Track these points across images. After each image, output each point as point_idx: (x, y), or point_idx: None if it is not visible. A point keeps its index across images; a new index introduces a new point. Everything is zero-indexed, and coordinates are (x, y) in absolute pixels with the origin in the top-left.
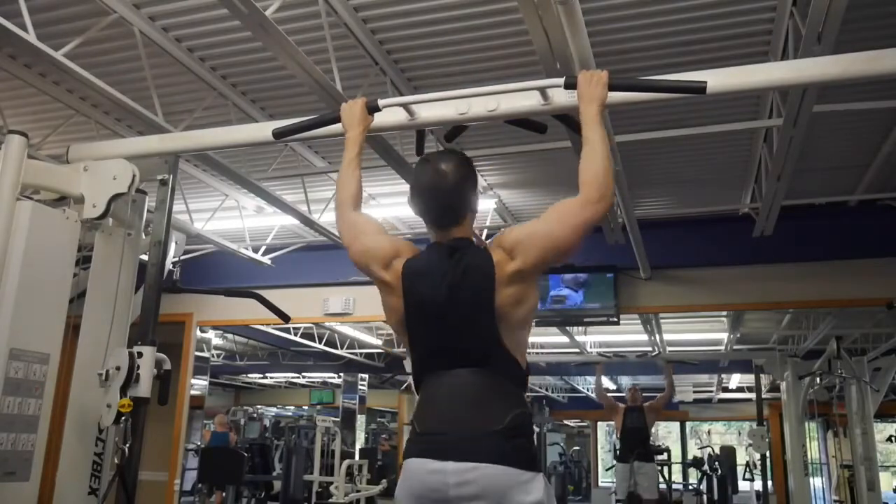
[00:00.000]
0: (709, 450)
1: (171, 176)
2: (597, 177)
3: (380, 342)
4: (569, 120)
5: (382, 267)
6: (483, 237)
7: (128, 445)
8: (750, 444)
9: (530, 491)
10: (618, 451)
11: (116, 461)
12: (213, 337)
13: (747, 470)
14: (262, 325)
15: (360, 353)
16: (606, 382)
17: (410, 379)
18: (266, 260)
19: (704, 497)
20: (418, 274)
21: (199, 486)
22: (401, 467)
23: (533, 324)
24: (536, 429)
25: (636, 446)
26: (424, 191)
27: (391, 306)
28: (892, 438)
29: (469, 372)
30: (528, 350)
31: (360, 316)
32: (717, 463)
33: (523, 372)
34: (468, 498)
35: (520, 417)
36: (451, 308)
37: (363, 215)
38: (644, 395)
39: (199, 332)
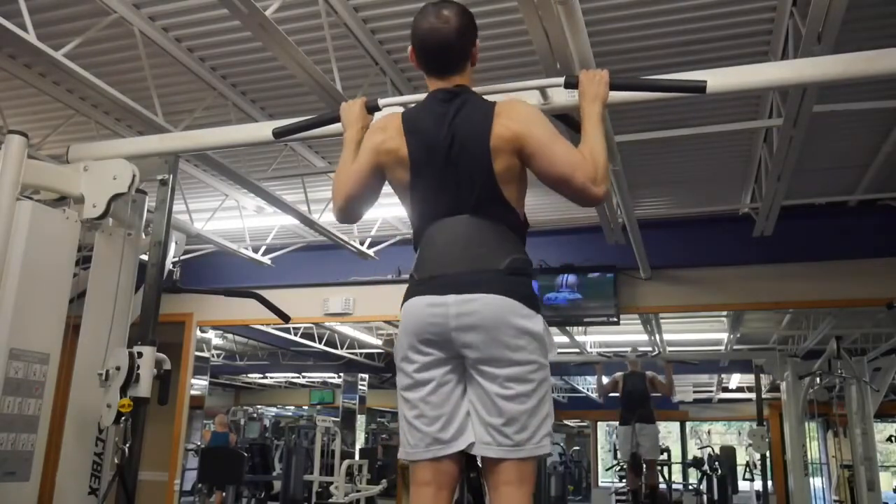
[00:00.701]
0: (709, 450)
1: (171, 176)
2: (593, 161)
3: (380, 342)
4: (569, 119)
5: (381, 141)
6: None
7: (128, 445)
8: (750, 444)
9: (530, 320)
10: (620, 414)
11: (116, 461)
12: (213, 337)
13: (747, 470)
14: (262, 325)
15: (360, 353)
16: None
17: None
18: (266, 260)
19: (704, 497)
20: (419, 118)
21: (199, 486)
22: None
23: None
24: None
25: (637, 408)
26: (425, 35)
27: (397, 171)
28: (892, 438)
29: (468, 217)
30: None
31: (360, 316)
32: (717, 463)
33: (522, 222)
34: (468, 328)
35: (519, 262)
36: (453, 150)
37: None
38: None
39: (199, 332)
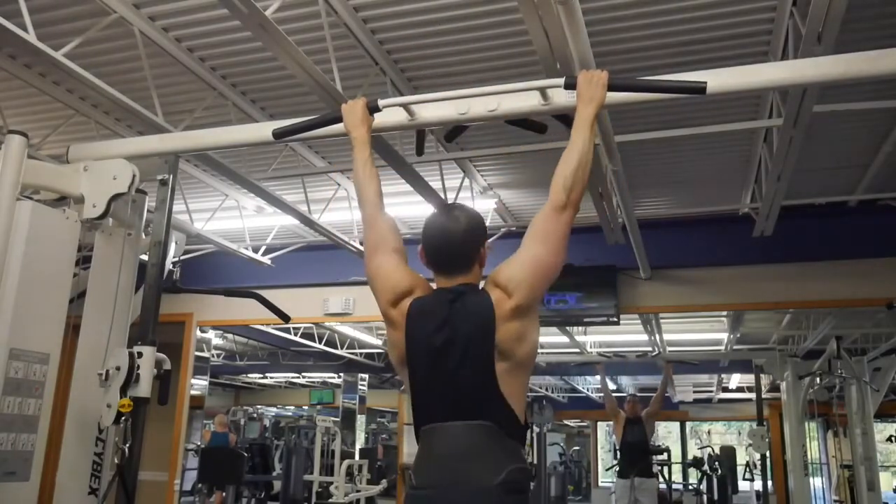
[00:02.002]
0: (709, 450)
1: (171, 176)
2: (565, 178)
3: (380, 342)
4: (569, 120)
5: (391, 303)
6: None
7: (128, 445)
8: (750, 444)
9: None
10: (618, 466)
11: (116, 461)
12: (213, 337)
13: (747, 470)
14: (262, 325)
15: (360, 353)
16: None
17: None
18: (266, 260)
19: (704, 497)
20: (421, 315)
21: (199, 486)
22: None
23: (530, 372)
24: (537, 429)
25: (637, 462)
26: (434, 234)
27: (394, 342)
28: (892, 438)
29: (466, 425)
30: None
31: (360, 316)
32: (717, 463)
33: (522, 426)
34: None
35: (515, 472)
36: (451, 351)
37: (392, 229)
38: (643, 393)
39: (199, 332)
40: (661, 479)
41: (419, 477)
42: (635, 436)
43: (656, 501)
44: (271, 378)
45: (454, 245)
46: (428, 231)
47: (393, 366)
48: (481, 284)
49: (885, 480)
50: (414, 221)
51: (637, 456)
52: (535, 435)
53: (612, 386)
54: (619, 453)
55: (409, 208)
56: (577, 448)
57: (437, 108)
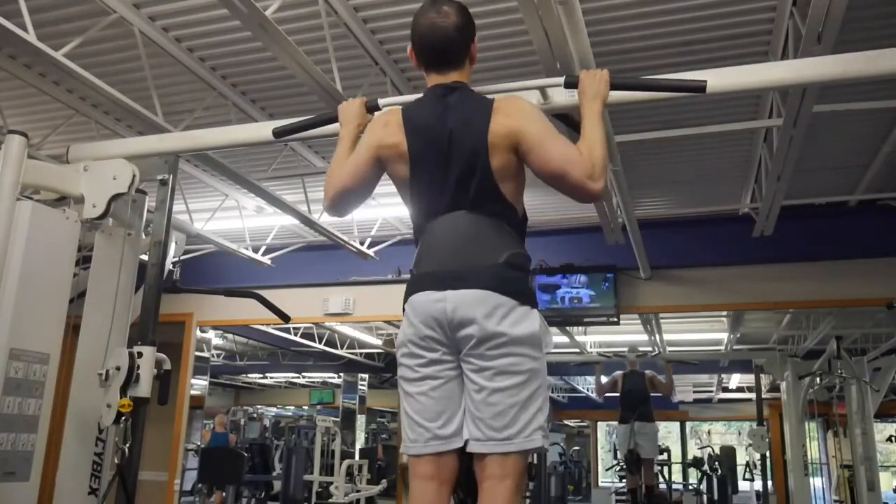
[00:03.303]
0: (709, 450)
1: (171, 176)
2: (591, 157)
3: (380, 342)
4: (569, 119)
5: (383, 136)
6: None
7: (128, 445)
8: (750, 444)
9: (523, 318)
10: (619, 412)
11: (116, 461)
12: (213, 337)
13: (747, 470)
14: (262, 325)
15: (360, 353)
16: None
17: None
18: (266, 260)
19: (704, 497)
20: (418, 114)
21: (199, 486)
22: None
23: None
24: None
25: (637, 406)
26: (424, 29)
27: (397, 166)
28: (892, 438)
29: (467, 213)
30: None
31: (360, 316)
32: (717, 463)
33: (521, 218)
34: (464, 322)
35: (517, 256)
36: (450, 144)
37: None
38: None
39: (199, 332)
40: (661, 479)
41: (421, 264)
42: (635, 384)
43: (656, 444)
44: (271, 378)
45: (446, 39)
46: (418, 27)
47: (396, 187)
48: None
49: (885, 480)
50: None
51: (637, 402)
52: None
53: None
54: (620, 402)
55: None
56: (577, 448)
57: None
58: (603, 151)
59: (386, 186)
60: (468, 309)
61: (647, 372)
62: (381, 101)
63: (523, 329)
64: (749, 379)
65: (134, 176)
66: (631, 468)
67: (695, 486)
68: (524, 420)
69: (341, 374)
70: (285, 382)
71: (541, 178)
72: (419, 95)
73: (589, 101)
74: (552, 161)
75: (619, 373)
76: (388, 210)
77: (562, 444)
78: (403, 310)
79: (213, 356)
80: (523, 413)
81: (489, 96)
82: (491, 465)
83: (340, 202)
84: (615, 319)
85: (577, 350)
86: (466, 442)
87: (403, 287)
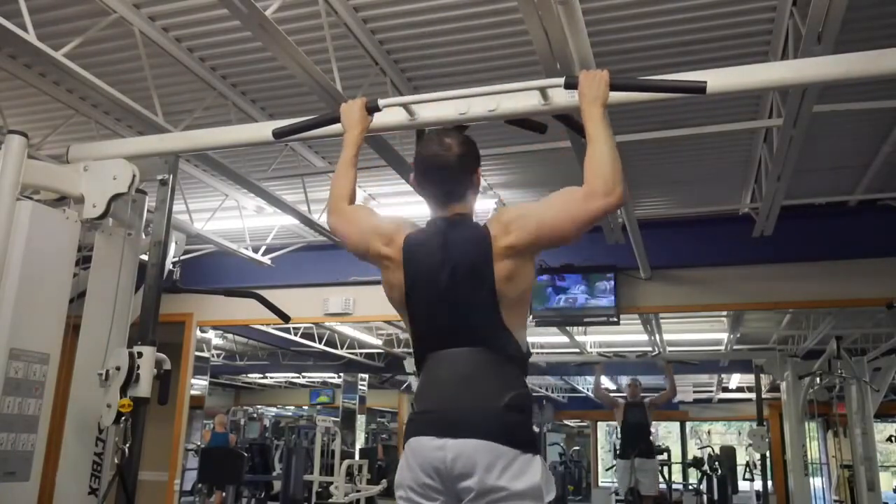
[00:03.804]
0: (709, 450)
1: (171, 176)
2: (604, 172)
3: (380, 342)
4: (569, 120)
5: (384, 243)
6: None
7: (128, 445)
8: (750, 444)
9: (525, 470)
10: (618, 448)
11: (116, 461)
12: (213, 337)
13: (747, 470)
14: (262, 325)
15: (360, 353)
16: (606, 382)
17: (410, 379)
18: (266, 260)
19: (704, 497)
20: (418, 246)
21: (199, 486)
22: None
23: (530, 308)
24: (536, 429)
25: (637, 443)
26: (427, 165)
27: (393, 283)
28: (892, 438)
29: (469, 351)
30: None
31: (360, 316)
32: (717, 463)
33: (523, 353)
34: (464, 475)
35: (518, 398)
36: (450, 280)
37: (357, 206)
38: (644, 394)
39: (199, 332)
40: (661, 480)
41: (421, 402)
42: (636, 417)
43: (657, 481)
44: (271, 378)
45: (448, 175)
46: (420, 161)
47: (393, 305)
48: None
49: (885, 480)
50: (414, 221)
51: (638, 437)
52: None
53: (612, 386)
54: (619, 434)
55: (409, 208)
56: (577, 448)
57: (437, 108)
58: (612, 156)
59: (386, 187)
60: (468, 460)
61: (645, 401)
62: (381, 102)
63: (524, 482)
64: (749, 379)
65: (134, 176)
66: None
67: (695, 486)
68: None
69: (341, 374)
70: (285, 382)
71: (574, 237)
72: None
73: (589, 104)
74: (563, 228)
75: (621, 400)
76: (387, 210)
77: (562, 444)
78: (403, 449)
79: (213, 356)
80: None
81: (482, 223)
82: None
83: (337, 232)
84: (615, 319)
85: (577, 350)
86: None
87: None
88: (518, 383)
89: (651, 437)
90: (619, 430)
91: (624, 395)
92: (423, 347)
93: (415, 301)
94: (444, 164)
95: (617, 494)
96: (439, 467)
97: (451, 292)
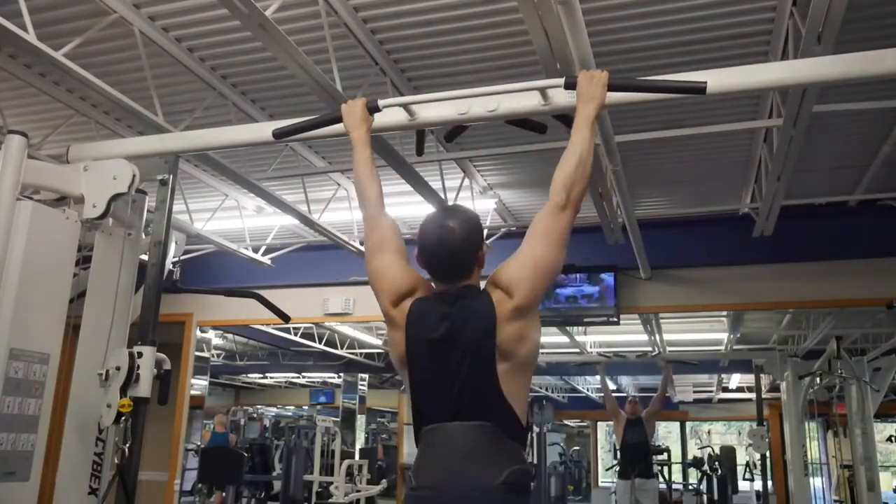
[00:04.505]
0: (709, 450)
1: (171, 176)
2: (565, 178)
3: (380, 342)
4: (569, 120)
5: (392, 303)
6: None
7: (128, 445)
8: (750, 444)
9: None
10: (618, 467)
11: (116, 461)
12: (213, 337)
13: (747, 470)
14: (262, 325)
15: (360, 353)
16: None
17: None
18: (266, 260)
19: (704, 497)
20: (422, 316)
21: (199, 486)
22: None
23: (532, 373)
24: (536, 429)
25: (637, 462)
26: (431, 245)
27: (395, 341)
28: (892, 438)
29: (467, 426)
30: None
31: (360, 316)
32: (717, 463)
33: (523, 427)
34: None
35: (516, 474)
36: (452, 352)
37: (393, 230)
38: (643, 393)
39: (199, 332)
40: (661, 479)
41: (419, 478)
42: (636, 437)
43: (656, 500)
44: (271, 378)
45: (452, 254)
46: (424, 240)
47: (394, 365)
48: (482, 285)
49: (885, 480)
50: (414, 221)
51: (637, 457)
52: (535, 435)
53: (612, 386)
54: (619, 454)
55: (409, 208)
56: (577, 448)
57: (437, 108)
58: (581, 162)
59: (386, 186)
60: None
61: (642, 416)
62: (381, 102)
63: None
64: (749, 379)
65: (134, 176)
66: None
67: (695, 486)
68: None
69: (341, 374)
70: (285, 382)
71: (554, 270)
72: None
73: (584, 103)
74: (554, 257)
75: (622, 413)
76: (387, 210)
77: (562, 444)
78: None
79: (213, 356)
80: None
81: (482, 285)
82: None
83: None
84: (615, 319)
85: (577, 350)
86: None
87: None
88: (516, 459)
89: (651, 456)
90: (618, 448)
91: (624, 395)
92: (420, 419)
93: (414, 369)
94: (449, 249)
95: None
96: None
97: (450, 365)
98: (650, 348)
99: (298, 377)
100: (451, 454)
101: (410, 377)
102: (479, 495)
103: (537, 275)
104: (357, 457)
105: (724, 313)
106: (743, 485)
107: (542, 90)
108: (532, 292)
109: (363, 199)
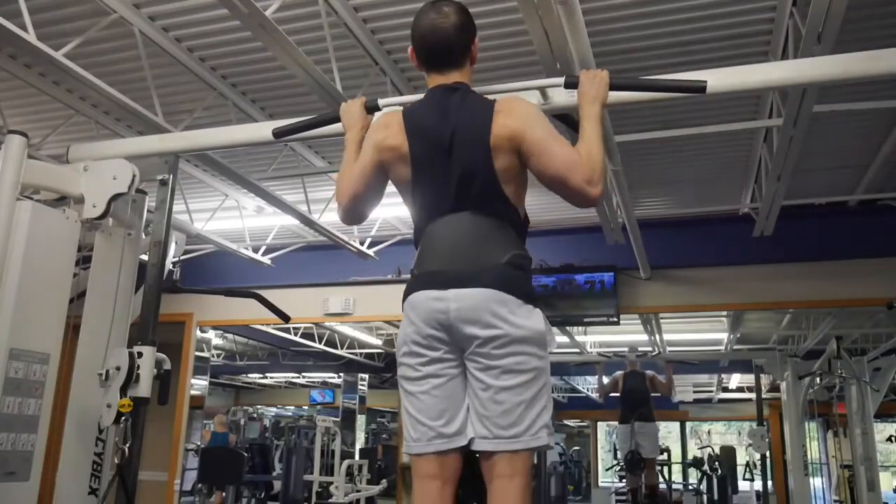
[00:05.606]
0: (709, 450)
1: (171, 176)
2: (592, 166)
3: (380, 342)
4: (569, 119)
5: (384, 137)
6: None
7: (128, 445)
8: (750, 444)
9: (528, 316)
10: (619, 413)
11: (116, 461)
12: (213, 337)
13: (747, 470)
14: (262, 325)
15: (360, 353)
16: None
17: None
18: (266, 260)
19: (704, 497)
20: (420, 115)
21: (199, 486)
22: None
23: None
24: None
25: (637, 406)
26: (425, 30)
27: (399, 168)
28: (892, 438)
29: (469, 214)
30: None
31: (360, 316)
32: (717, 463)
33: (522, 220)
34: (467, 321)
35: (518, 257)
36: (452, 143)
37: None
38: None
39: (199, 332)
40: (661, 479)
41: (422, 264)
42: (635, 384)
43: (657, 444)
44: (271, 378)
45: (446, 39)
46: (418, 27)
47: (401, 194)
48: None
49: (885, 480)
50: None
51: (638, 402)
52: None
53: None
54: (620, 402)
55: (408, 209)
56: (577, 448)
57: None
58: (601, 156)
59: (389, 186)
60: (472, 307)
61: (647, 372)
62: (381, 102)
63: (528, 328)
64: (749, 379)
65: (134, 176)
66: (632, 468)
67: (695, 486)
68: (530, 418)
69: (341, 374)
70: (285, 382)
71: (542, 181)
72: (420, 96)
73: (588, 103)
74: (553, 165)
75: (619, 373)
76: (388, 210)
77: (562, 444)
78: (403, 308)
79: (213, 356)
80: (529, 411)
81: (490, 97)
82: (500, 464)
83: (353, 209)
84: (615, 319)
85: (577, 350)
86: (470, 440)
87: (403, 287)
88: (517, 244)
89: (650, 403)
90: (619, 398)
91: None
92: (424, 218)
93: (420, 172)
94: (444, 32)
95: (617, 494)
96: (442, 318)
97: (453, 157)
98: (650, 348)
99: (298, 377)
100: (455, 239)
101: (414, 177)
102: (483, 270)
103: (533, 143)
104: (357, 457)
105: (724, 313)
106: (743, 485)
107: (542, 90)
108: (521, 139)
109: (340, 194)
